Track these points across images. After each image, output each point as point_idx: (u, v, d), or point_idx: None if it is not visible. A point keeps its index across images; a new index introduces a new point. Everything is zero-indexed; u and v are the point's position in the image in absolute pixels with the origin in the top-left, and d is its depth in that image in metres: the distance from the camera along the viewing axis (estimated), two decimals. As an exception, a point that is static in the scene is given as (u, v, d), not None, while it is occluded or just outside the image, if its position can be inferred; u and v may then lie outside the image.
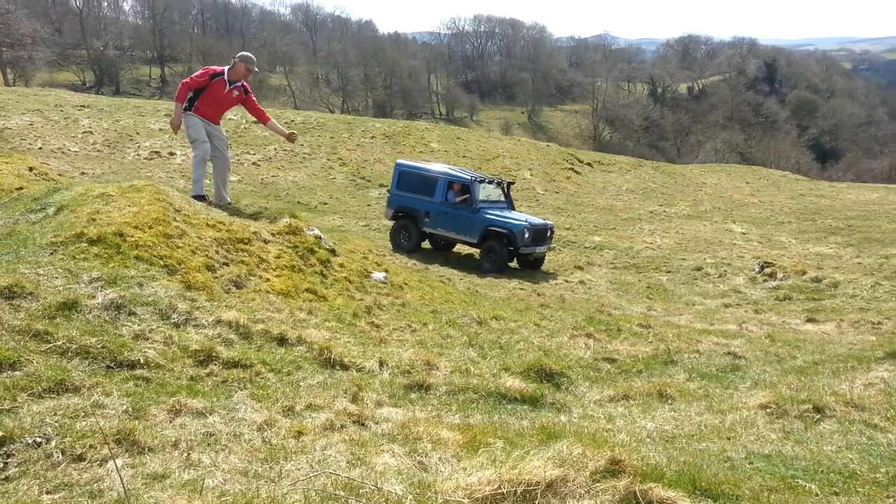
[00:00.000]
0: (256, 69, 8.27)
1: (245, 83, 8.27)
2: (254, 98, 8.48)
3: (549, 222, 15.83)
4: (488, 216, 14.61)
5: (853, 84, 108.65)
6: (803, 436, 3.66)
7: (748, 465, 3.14)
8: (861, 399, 4.15)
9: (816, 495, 2.72)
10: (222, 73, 7.99)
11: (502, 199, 15.93)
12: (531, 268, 14.91)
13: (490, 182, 15.92)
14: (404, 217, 15.59)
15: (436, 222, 15.21)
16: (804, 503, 2.53)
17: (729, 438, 3.67)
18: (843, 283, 13.05)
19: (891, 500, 2.58)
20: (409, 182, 15.73)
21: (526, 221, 14.54)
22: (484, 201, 15.13)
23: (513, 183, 17.56)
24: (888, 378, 4.70)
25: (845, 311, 11.09)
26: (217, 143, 8.23)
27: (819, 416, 3.95)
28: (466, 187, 14.93)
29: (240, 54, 8.16)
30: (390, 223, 16.46)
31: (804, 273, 13.85)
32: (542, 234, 14.84)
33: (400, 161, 17.14)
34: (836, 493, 2.75)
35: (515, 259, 14.99)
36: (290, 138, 8.74)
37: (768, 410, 4.12)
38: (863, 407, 4.02)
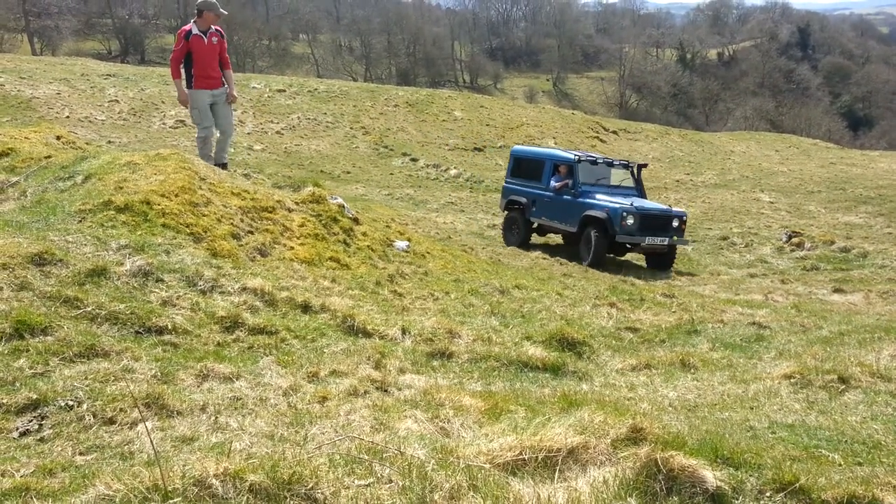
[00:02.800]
0: (223, 11, 8.15)
1: (219, 27, 8.15)
2: (225, 44, 8.36)
3: (674, 209, 12.76)
4: (588, 200, 12.38)
5: (890, 49, 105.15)
6: (827, 406, 3.64)
7: (771, 434, 3.14)
8: (888, 370, 4.11)
9: (839, 465, 2.71)
10: (191, 28, 7.86)
11: (630, 184, 13.46)
12: (658, 266, 12.25)
13: (611, 164, 13.48)
14: (515, 208, 13.96)
15: (541, 211, 13.36)
16: (827, 473, 2.52)
17: (752, 408, 3.66)
18: (872, 254, 12.83)
19: (915, 471, 2.56)
20: (521, 169, 14.25)
21: (631, 205, 11.95)
22: (595, 185, 12.88)
23: (645, 165, 14.69)
24: (916, 349, 4.64)
25: (874, 281, 10.92)
26: (222, 110, 8.15)
27: (844, 386, 3.92)
28: (573, 169, 12.91)
29: (199, 2, 7.92)
30: (409, 192, 16.32)
31: (832, 243, 13.63)
32: (658, 223, 12.06)
33: (516, 147, 15.90)
34: (860, 464, 2.74)
35: (644, 256, 12.68)
36: (230, 97, 8.39)
37: (792, 380, 4.09)
38: (889, 378, 3.98)
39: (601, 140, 30.31)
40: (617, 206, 11.94)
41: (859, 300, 9.39)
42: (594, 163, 13.27)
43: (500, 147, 27.11)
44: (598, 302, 7.21)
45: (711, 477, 2.38)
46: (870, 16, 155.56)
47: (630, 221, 11.73)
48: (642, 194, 13.40)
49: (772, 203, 19.97)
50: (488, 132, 28.55)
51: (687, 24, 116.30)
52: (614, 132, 32.23)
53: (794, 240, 14.09)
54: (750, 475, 2.46)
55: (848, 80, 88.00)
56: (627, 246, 12.29)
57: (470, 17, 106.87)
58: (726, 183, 23.98)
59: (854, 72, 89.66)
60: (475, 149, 26.45)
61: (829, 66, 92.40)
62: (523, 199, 13.76)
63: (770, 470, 2.47)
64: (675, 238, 12.20)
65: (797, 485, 2.36)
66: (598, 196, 12.50)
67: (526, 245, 13.48)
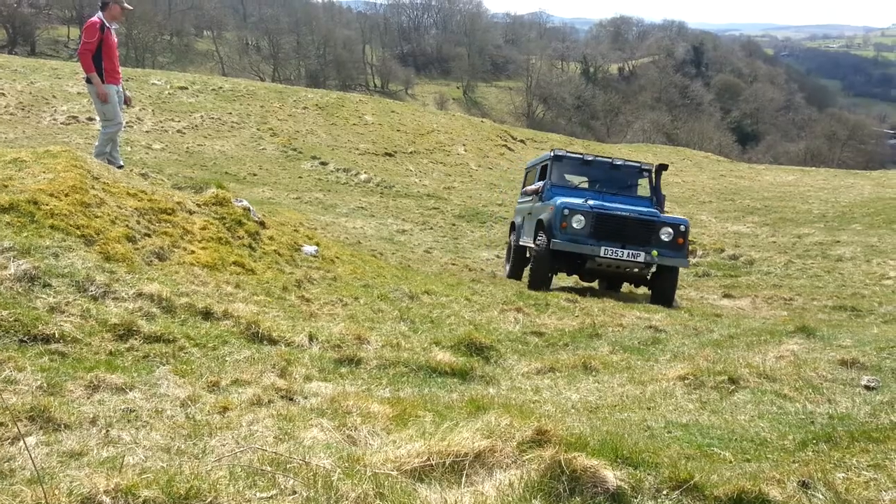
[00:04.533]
0: (128, 6, 7.94)
1: None
2: None
3: (666, 215, 9.64)
4: (548, 202, 9.54)
5: (775, 70, 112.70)
6: (719, 406, 3.82)
7: (667, 433, 3.27)
8: (773, 371, 4.36)
9: (730, 462, 2.86)
10: (102, 20, 7.60)
11: (645, 192, 10.48)
12: (656, 298, 9.04)
13: (612, 165, 10.33)
14: (512, 231, 11.42)
15: (523, 228, 10.77)
16: (719, 470, 2.65)
17: (649, 409, 3.80)
18: (758, 261, 13.66)
19: (796, 465, 2.73)
20: (528, 183, 11.82)
21: (585, 201, 9.18)
22: (584, 189, 10.06)
23: (665, 167, 10.84)
24: (798, 351, 4.95)
25: (760, 287, 11.62)
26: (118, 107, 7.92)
27: (734, 386, 4.13)
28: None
29: None
30: (319, 196, 15.90)
31: (722, 251, 14.42)
32: (629, 230, 8.95)
33: (530, 160, 13.24)
34: (749, 460, 2.89)
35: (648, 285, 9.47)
36: (128, 100, 8.26)
37: (686, 381, 4.28)
38: (774, 378, 4.23)
39: (509, 148, 30.90)
40: (562, 202, 9.09)
41: (747, 305, 9.96)
42: (584, 162, 10.32)
43: (411, 153, 27.15)
44: (505, 307, 7.32)
45: (612, 477, 2.45)
46: (756, 37, 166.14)
47: (577, 224, 8.74)
48: (657, 202, 10.20)
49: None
50: (399, 137, 28.54)
51: (590, 38, 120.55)
52: (522, 141, 32.94)
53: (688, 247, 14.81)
54: (648, 474, 2.55)
55: (737, 97, 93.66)
56: (598, 264, 8.92)
57: (381, 21, 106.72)
58: (627, 192, 24.94)
59: (743, 89, 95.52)
60: (386, 154, 26.38)
61: (720, 83, 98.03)
62: (518, 219, 11.18)
63: (667, 468, 2.57)
64: (658, 254, 8.77)
65: (692, 482, 2.46)
66: (566, 198, 9.39)
67: (518, 277, 10.81)
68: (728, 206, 21.71)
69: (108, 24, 7.59)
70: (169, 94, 27.65)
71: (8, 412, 2.74)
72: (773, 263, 13.45)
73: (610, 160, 10.54)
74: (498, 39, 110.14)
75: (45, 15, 76.27)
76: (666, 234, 9.05)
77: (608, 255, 8.79)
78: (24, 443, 2.51)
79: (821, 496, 2.46)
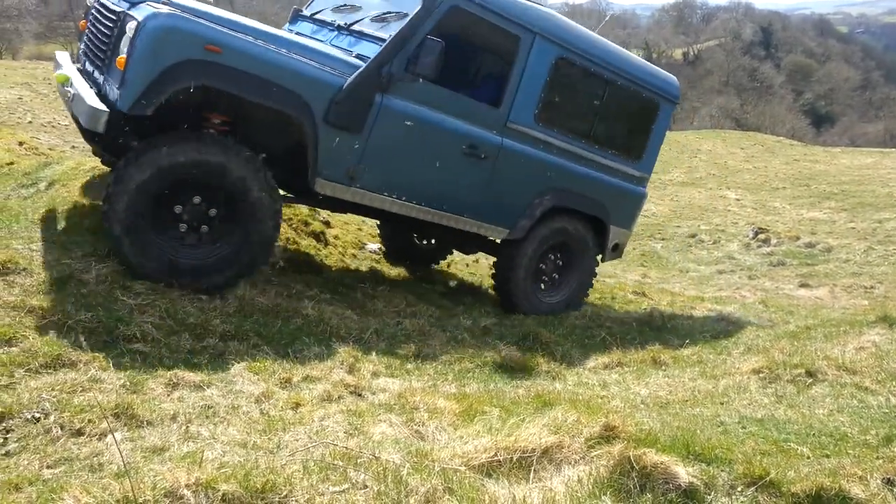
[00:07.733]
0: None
1: None
2: None
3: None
4: None
5: (849, 48, 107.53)
6: (795, 400, 3.70)
7: (741, 429, 3.18)
8: (853, 363, 4.20)
9: (808, 458, 2.76)
10: None
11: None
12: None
13: None
14: None
15: None
16: (796, 466, 2.57)
17: (722, 403, 3.71)
18: (836, 248, 13.11)
19: (880, 461, 2.62)
20: None
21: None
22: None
23: None
24: (879, 342, 4.75)
25: (838, 275, 11.16)
26: None
27: (811, 380, 3.99)
28: None
29: None
30: None
31: (798, 238, 13.90)
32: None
33: None
34: (828, 456, 2.79)
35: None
36: None
37: (761, 375, 4.16)
38: (854, 370, 4.07)
39: (571, 140, 30.53)
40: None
41: (824, 294, 9.59)
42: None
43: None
44: (570, 301, 7.25)
45: (684, 473, 2.41)
46: (829, 15, 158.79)
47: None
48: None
49: (738, 200, 20.30)
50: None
51: (652, 24, 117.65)
52: (583, 132, 32.45)
53: (761, 236, 14.35)
54: (721, 470, 2.50)
55: (810, 78, 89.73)
56: None
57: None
58: (694, 181, 24.32)
59: (815, 70, 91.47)
60: (446, 150, 26.43)
61: (791, 64, 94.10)
62: None
63: (741, 464, 2.51)
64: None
65: (767, 479, 2.40)
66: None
67: None
68: (803, 192, 20.91)
69: None
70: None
71: (96, 409, 2.89)
72: (853, 250, 12.88)
73: None
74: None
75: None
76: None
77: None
78: (113, 438, 2.64)
79: (907, 494, 2.35)
